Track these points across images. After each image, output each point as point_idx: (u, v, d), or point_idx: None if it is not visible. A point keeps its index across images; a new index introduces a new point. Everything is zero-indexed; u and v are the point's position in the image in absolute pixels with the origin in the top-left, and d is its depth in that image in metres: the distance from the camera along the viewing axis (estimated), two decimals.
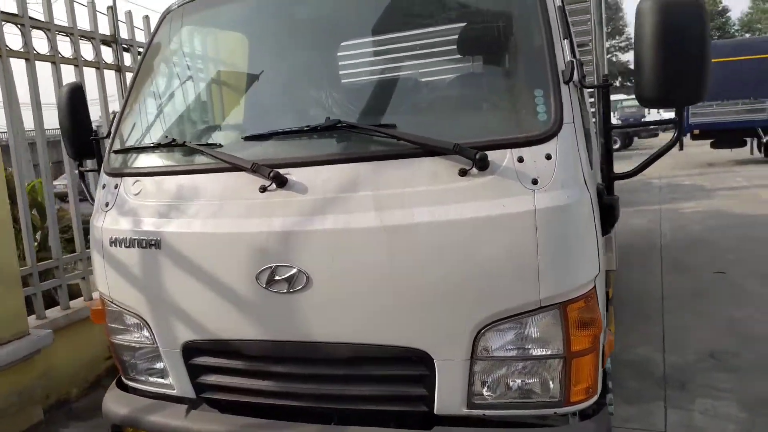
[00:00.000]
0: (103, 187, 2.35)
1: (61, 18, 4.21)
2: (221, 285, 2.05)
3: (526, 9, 2.04)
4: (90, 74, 4.41)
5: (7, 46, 3.76)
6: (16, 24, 3.84)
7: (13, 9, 3.85)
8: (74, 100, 2.52)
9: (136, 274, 2.20)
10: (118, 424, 2.32)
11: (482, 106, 2.14)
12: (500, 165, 1.81)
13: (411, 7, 2.33)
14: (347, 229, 1.87)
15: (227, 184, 2.07)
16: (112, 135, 2.45)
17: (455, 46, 2.29)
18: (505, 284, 1.80)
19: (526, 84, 1.98)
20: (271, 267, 1.95)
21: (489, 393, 1.93)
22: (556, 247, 1.78)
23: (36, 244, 4.60)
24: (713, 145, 16.03)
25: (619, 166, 2.06)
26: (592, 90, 2.90)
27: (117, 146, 2.40)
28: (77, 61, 4.29)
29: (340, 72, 2.69)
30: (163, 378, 2.32)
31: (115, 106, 5.03)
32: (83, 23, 4.39)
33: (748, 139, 16.05)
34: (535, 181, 1.78)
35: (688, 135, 15.60)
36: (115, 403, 2.34)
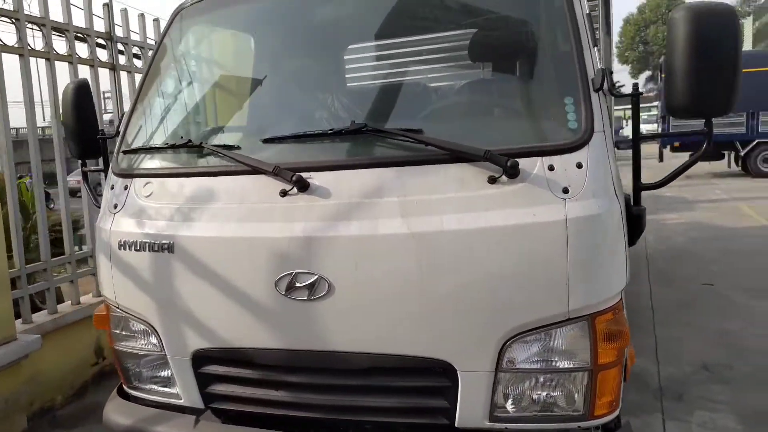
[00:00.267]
0: (112, 188, 2.27)
1: (56, 16, 4.11)
2: (237, 291, 1.99)
3: (555, 16, 2.03)
4: (84, 72, 4.30)
5: (0, 40, 3.65)
6: (10, 18, 3.73)
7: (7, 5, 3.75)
8: (80, 98, 2.45)
9: (146, 279, 2.13)
10: None
11: (511, 114, 2.12)
12: (530, 173, 1.78)
13: (440, 13, 2.30)
14: (373, 235, 1.83)
15: (245, 187, 2.02)
16: (121, 134, 2.37)
17: (482, 53, 2.27)
18: (534, 294, 1.78)
19: (557, 92, 1.96)
20: (291, 273, 1.90)
21: (512, 406, 1.89)
22: (587, 257, 1.76)
23: None
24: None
25: None
26: None
27: (126, 146, 2.33)
28: (72, 58, 4.18)
29: (361, 75, 2.64)
30: (169, 387, 2.24)
31: (108, 104, 4.94)
32: (79, 21, 4.28)
33: (726, 153, 16.41)
34: (566, 190, 1.76)
35: (668, 147, 15.90)
36: (118, 413, 2.25)
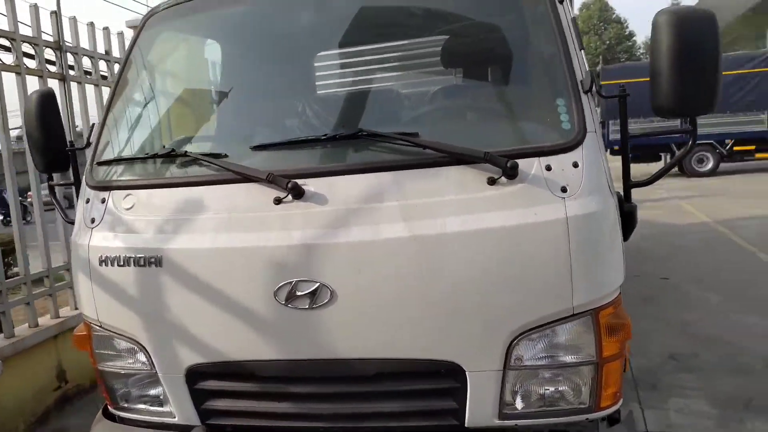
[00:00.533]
0: (87, 201, 2.15)
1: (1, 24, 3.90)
2: (234, 303, 1.92)
3: (540, 20, 2.05)
4: (32, 83, 4.09)
5: None
6: None
7: None
8: (45, 108, 2.31)
9: (131, 295, 2.02)
10: None
11: (504, 116, 2.13)
12: (529, 173, 1.80)
13: (428, 18, 2.30)
14: (375, 240, 1.80)
15: (235, 196, 1.95)
16: (93, 145, 2.26)
17: (470, 58, 2.27)
18: (539, 292, 1.79)
19: (548, 94, 1.99)
20: (291, 282, 1.85)
21: (520, 402, 1.90)
22: (588, 253, 1.78)
23: None
24: (632, 160, 16.97)
25: None
26: None
27: (101, 157, 2.22)
28: (20, 69, 3.97)
29: (348, 80, 2.61)
30: (161, 406, 2.14)
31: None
32: (25, 30, 4.08)
33: (663, 154, 17.16)
34: (564, 189, 1.78)
35: (608, 150, 16.50)
36: None
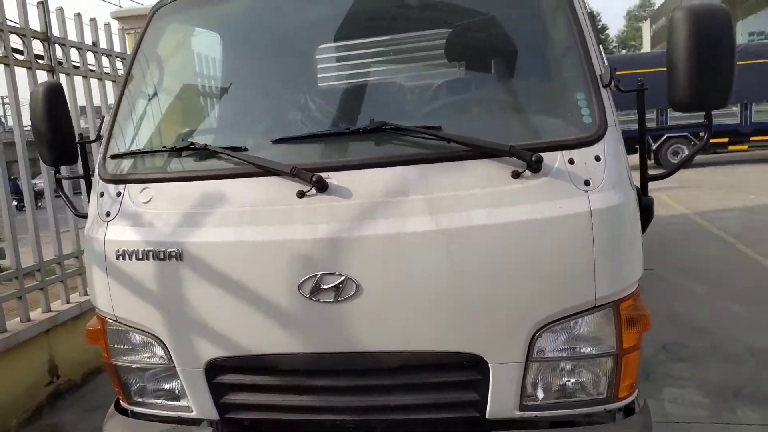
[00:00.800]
0: (101, 195, 2.12)
1: None
2: (257, 297, 1.91)
3: (559, 14, 2.07)
4: (20, 74, 4.00)
5: None
6: None
7: None
8: (52, 100, 2.26)
9: (150, 289, 2.00)
10: None
11: (524, 110, 2.15)
12: (552, 167, 1.82)
13: (449, 11, 2.30)
14: (401, 233, 1.81)
15: (257, 189, 1.94)
16: (105, 138, 2.22)
17: (490, 51, 2.28)
18: (563, 284, 1.82)
19: (569, 88, 2.01)
20: (316, 276, 1.85)
21: (541, 394, 1.93)
22: (611, 246, 1.81)
23: None
24: None
25: None
26: None
27: (114, 150, 2.18)
28: (8, 60, 3.87)
29: (367, 71, 2.59)
30: (177, 400, 2.12)
31: None
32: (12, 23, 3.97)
33: (638, 147, 17.42)
34: (587, 182, 1.80)
35: None
36: (122, 431, 2.11)
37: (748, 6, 23.72)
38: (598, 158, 1.83)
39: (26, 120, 4.44)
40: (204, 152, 2.05)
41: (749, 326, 4.62)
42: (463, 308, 1.84)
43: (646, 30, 40.08)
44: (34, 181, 4.44)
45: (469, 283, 1.82)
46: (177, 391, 2.12)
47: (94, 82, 4.79)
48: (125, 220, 2.05)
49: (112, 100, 5.00)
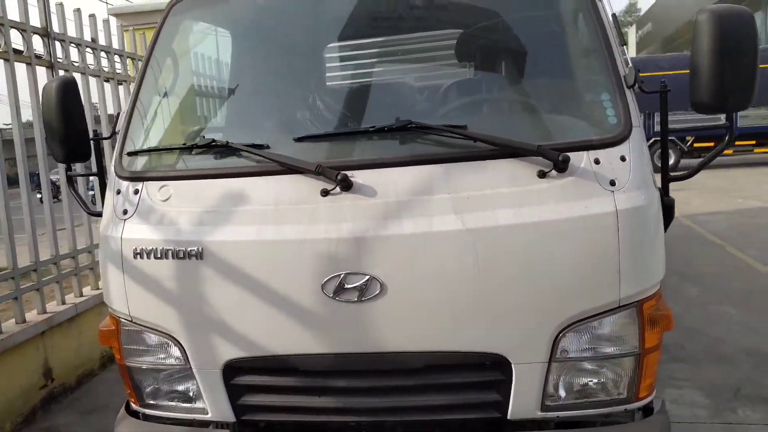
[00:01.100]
0: (118, 192, 2.09)
1: None
2: (279, 296, 1.89)
3: (583, 16, 2.09)
4: (19, 70, 3.94)
5: None
6: None
7: None
8: (67, 96, 2.22)
9: (169, 289, 1.98)
10: None
11: (548, 110, 2.14)
12: (578, 167, 1.82)
13: (474, 13, 2.30)
14: (428, 232, 1.80)
15: (280, 187, 1.92)
16: (121, 134, 2.19)
17: (515, 51, 2.28)
18: (588, 284, 1.82)
19: (594, 89, 2.02)
20: (339, 275, 1.83)
21: (563, 394, 1.93)
22: (636, 246, 1.82)
23: None
24: None
25: None
26: None
27: (131, 147, 2.15)
28: (8, 55, 3.81)
29: (394, 69, 2.56)
30: (193, 402, 2.09)
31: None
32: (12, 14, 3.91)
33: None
34: (612, 183, 1.81)
35: None
36: None
37: None
38: (623, 158, 1.84)
39: (24, 117, 4.44)
40: (224, 150, 2.02)
41: (740, 327, 4.70)
42: (488, 308, 1.84)
43: (632, 35, 40.53)
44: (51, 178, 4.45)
45: (495, 283, 1.81)
46: (192, 393, 2.09)
47: (92, 80, 4.73)
48: (143, 218, 2.02)
49: (110, 98, 4.95)
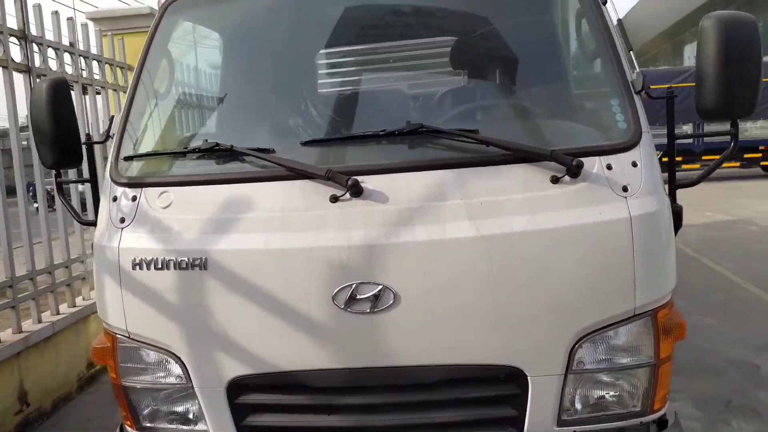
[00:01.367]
0: (114, 199, 1.99)
1: None
2: (287, 308, 1.81)
3: (589, 23, 2.08)
4: None
5: None
6: None
7: None
8: (57, 98, 2.10)
9: (170, 302, 1.88)
10: None
11: (559, 116, 2.12)
12: (591, 172, 1.80)
13: (479, 19, 2.26)
14: (441, 240, 1.75)
15: (287, 193, 1.85)
16: (117, 139, 2.09)
17: (523, 57, 2.25)
18: (604, 292, 1.79)
19: (603, 94, 2.00)
20: (351, 285, 1.76)
21: (579, 408, 1.89)
22: (649, 253, 1.80)
23: None
24: None
25: None
26: None
27: (128, 152, 2.05)
28: None
29: (401, 75, 2.51)
30: (193, 424, 1.98)
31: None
32: None
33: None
34: (625, 188, 1.79)
35: None
36: None
37: None
38: (635, 164, 1.82)
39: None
40: (228, 154, 1.94)
41: (723, 338, 4.73)
42: (504, 318, 1.78)
43: None
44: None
45: (511, 292, 1.77)
46: (192, 414, 1.98)
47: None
48: (142, 226, 1.92)
49: (89, 104, 4.80)
